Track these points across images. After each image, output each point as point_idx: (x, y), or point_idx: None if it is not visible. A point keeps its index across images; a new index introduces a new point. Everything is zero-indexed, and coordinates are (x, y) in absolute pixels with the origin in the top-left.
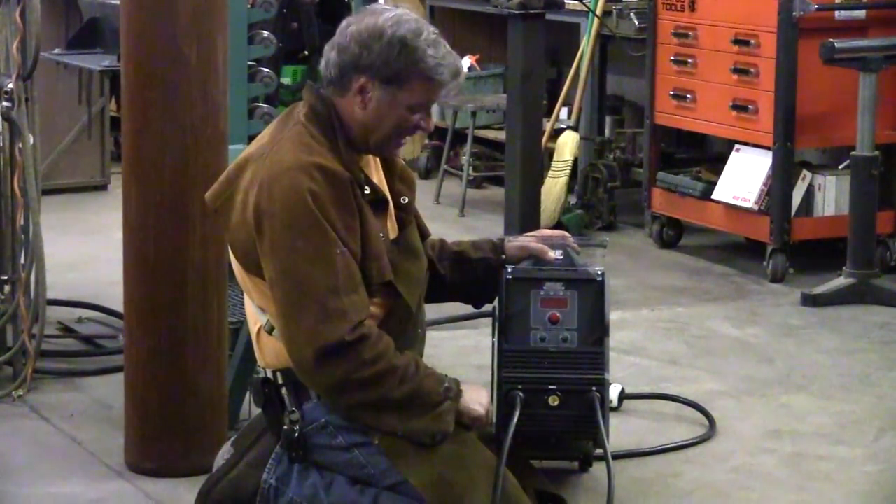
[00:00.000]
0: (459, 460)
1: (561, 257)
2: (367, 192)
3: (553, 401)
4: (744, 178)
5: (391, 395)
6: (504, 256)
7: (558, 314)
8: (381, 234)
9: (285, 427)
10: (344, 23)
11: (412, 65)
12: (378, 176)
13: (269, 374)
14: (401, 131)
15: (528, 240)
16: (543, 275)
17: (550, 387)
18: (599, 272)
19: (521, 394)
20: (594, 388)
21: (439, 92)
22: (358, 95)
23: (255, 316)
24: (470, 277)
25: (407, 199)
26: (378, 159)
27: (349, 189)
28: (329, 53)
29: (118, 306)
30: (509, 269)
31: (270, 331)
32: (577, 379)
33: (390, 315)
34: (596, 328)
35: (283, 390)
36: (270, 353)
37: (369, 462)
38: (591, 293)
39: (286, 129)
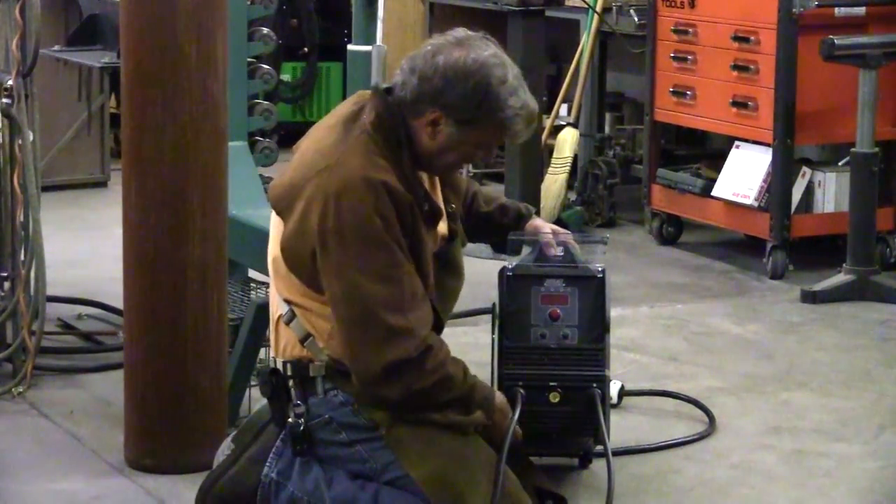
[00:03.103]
0: (461, 457)
1: (562, 253)
2: (425, 207)
3: (554, 397)
4: (744, 174)
5: (440, 399)
6: (522, 228)
7: (559, 311)
8: (432, 251)
9: (290, 420)
10: (430, 46)
11: (490, 112)
12: (434, 186)
13: (279, 365)
14: (462, 163)
15: (545, 226)
16: (544, 271)
17: (551, 383)
18: (600, 269)
19: (521, 391)
20: (595, 385)
21: (509, 137)
22: (429, 126)
23: (278, 305)
24: (492, 234)
25: (454, 207)
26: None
27: (410, 210)
28: (409, 75)
29: (118, 303)
30: (510, 266)
31: (289, 321)
32: (578, 375)
33: None
34: (596, 325)
35: (291, 382)
36: (286, 345)
37: (371, 456)
38: (592, 290)
39: (351, 135)
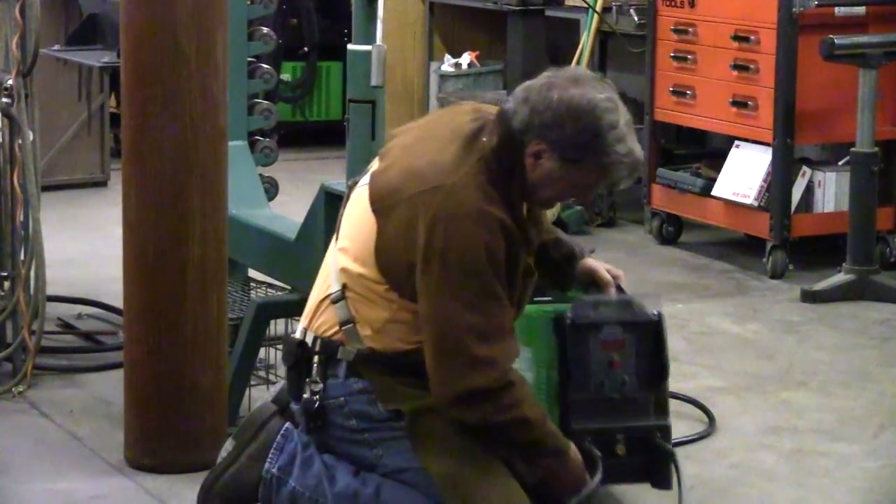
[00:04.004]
0: (479, 464)
1: (617, 297)
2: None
3: (620, 450)
4: (743, 174)
5: (515, 439)
6: (574, 269)
7: (617, 358)
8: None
9: (305, 396)
10: (546, 78)
11: (595, 154)
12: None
13: (309, 339)
14: (555, 201)
15: (599, 268)
16: (603, 318)
17: (617, 436)
18: (656, 312)
19: (598, 453)
20: (659, 434)
21: (610, 183)
22: (531, 158)
23: (330, 282)
24: (540, 264)
25: (534, 241)
26: None
27: (517, 249)
28: (521, 104)
29: (118, 303)
30: (569, 315)
31: (336, 301)
32: (643, 427)
33: None
34: (654, 370)
35: (316, 359)
36: (323, 322)
37: (379, 444)
38: (650, 335)
39: (470, 157)
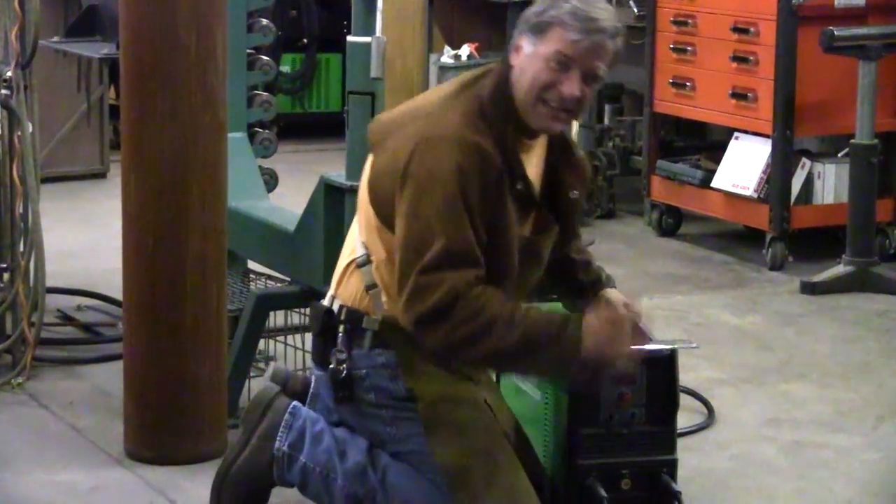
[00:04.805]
0: (489, 456)
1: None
2: (519, 187)
3: (625, 484)
4: (743, 166)
5: (505, 342)
6: (595, 297)
7: (628, 392)
8: (522, 233)
9: (332, 366)
10: None
11: (552, 12)
12: (536, 171)
13: (336, 307)
14: (540, 87)
15: (619, 302)
16: None
17: (622, 471)
18: (668, 349)
19: (603, 492)
20: (665, 470)
21: (574, 45)
22: (515, 53)
23: (354, 247)
24: (565, 282)
25: (577, 194)
26: (540, 155)
27: (499, 179)
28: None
29: (117, 294)
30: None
31: (362, 265)
32: (649, 462)
33: None
34: (665, 405)
35: (341, 328)
36: (348, 290)
37: (395, 423)
38: (661, 369)
39: (464, 94)
